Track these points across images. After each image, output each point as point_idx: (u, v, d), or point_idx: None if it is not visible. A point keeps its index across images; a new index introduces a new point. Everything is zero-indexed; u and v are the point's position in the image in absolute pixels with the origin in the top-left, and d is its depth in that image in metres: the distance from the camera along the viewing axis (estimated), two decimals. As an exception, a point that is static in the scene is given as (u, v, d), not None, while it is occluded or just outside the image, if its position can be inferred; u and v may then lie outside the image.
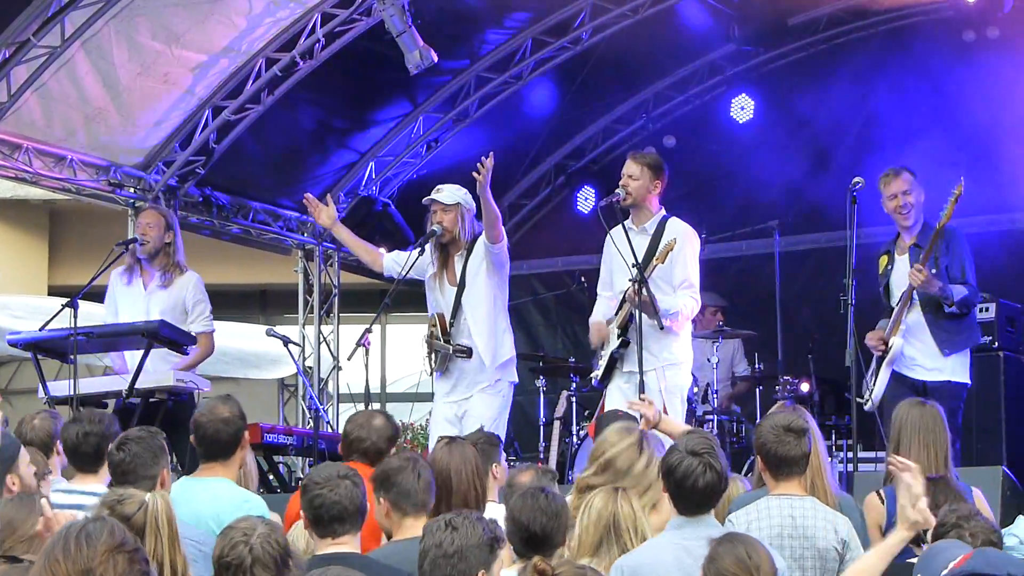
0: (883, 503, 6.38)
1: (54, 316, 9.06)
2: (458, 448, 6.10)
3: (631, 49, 12.82)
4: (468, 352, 8.90)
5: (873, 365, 9.03)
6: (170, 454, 6.09)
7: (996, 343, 10.44)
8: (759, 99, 13.45)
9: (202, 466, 6.12)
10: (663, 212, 8.95)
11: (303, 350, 13.16)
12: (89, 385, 9.27)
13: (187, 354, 9.23)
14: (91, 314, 10.03)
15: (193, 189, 12.26)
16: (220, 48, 11.24)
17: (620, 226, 8.74)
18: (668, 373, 8.73)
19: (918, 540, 5.40)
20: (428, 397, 9.34)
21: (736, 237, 12.69)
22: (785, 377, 11.31)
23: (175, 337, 9.05)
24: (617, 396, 8.69)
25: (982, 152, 11.68)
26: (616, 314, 8.89)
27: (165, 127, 11.74)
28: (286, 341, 10.68)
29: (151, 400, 8.98)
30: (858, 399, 8.83)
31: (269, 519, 4.61)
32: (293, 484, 11.03)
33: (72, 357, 8.90)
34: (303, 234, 13.43)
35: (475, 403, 8.90)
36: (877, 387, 8.92)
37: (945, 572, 4.25)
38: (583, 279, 11.71)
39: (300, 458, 11.90)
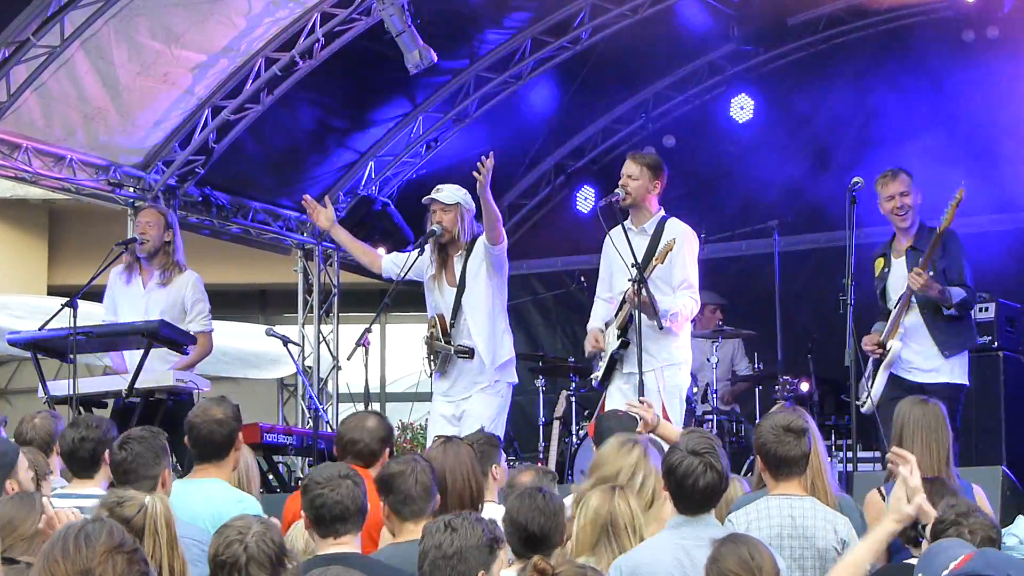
0: (884, 500, 6.37)
1: (54, 316, 9.05)
2: (452, 448, 6.10)
3: (631, 49, 12.82)
4: (470, 353, 8.89)
5: (869, 368, 9.01)
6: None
7: (996, 343, 10.45)
8: (759, 99, 13.45)
9: (196, 467, 6.12)
10: (662, 212, 8.95)
11: (303, 350, 13.15)
12: (89, 385, 9.27)
13: (187, 354, 9.23)
14: (91, 314, 10.03)
15: (192, 189, 12.25)
16: (220, 48, 11.24)
17: (620, 227, 8.74)
18: (667, 373, 8.73)
19: (916, 540, 5.40)
20: (428, 397, 9.34)
21: (736, 237, 12.69)
22: (785, 377, 11.30)
23: (175, 337, 9.05)
24: (617, 397, 8.68)
25: (982, 152, 11.68)
26: (616, 315, 8.89)
27: (164, 127, 11.74)
28: (286, 341, 10.69)
29: (151, 400, 8.98)
30: (855, 402, 8.83)
31: (265, 518, 4.62)
32: (293, 484, 11.03)
33: (72, 357, 8.90)
34: (303, 234, 13.43)
35: (474, 403, 8.89)
36: (875, 390, 8.91)
37: (946, 573, 4.24)
38: (583, 279, 11.71)
39: (300, 458, 11.90)
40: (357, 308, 14.65)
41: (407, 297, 10.00)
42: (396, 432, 15.07)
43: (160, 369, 9.11)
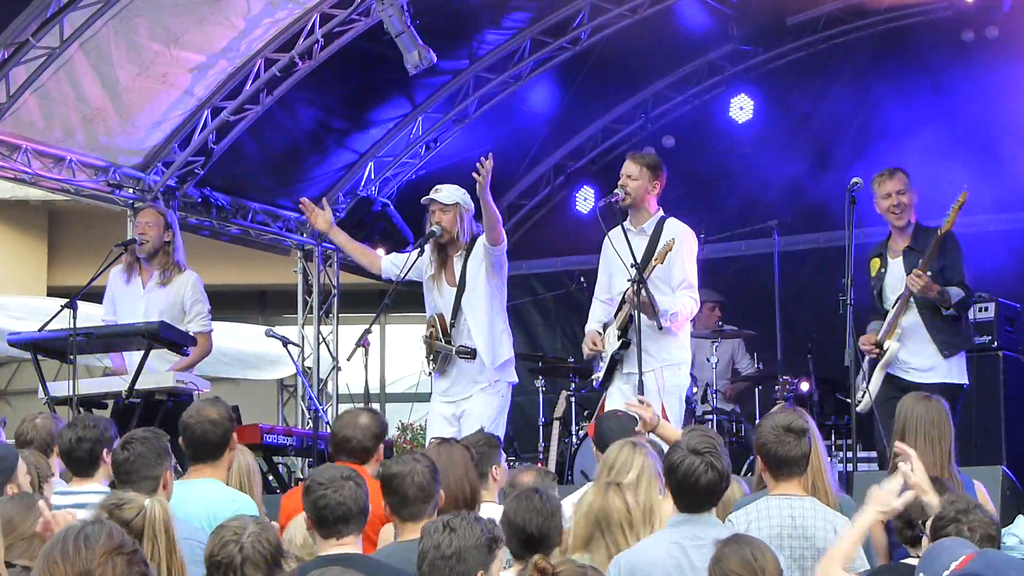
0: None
1: (53, 317, 9.05)
2: (447, 450, 6.09)
3: (630, 49, 12.82)
4: (472, 353, 8.88)
5: (865, 367, 9.00)
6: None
7: (995, 343, 10.44)
8: (758, 99, 13.45)
9: (191, 468, 6.12)
10: (661, 212, 8.94)
11: (302, 350, 13.15)
12: (89, 385, 9.27)
13: (187, 354, 9.23)
14: (90, 314, 10.03)
15: (192, 190, 12.25)
16: (219, 49, 11.23)
17: (619, 227, 8.74)
18: (666, 373, 8.72)
19: (915, 540, 5.40)
20: (427, 397, 9.33)
21: (735, 237, 12.70)
22: (784, 377, 11.30)
23: (175, 338, 9.04)
24: (617, 397, 8.68)
25: (981, 152, 11.67)
26: (616, 315, 8.89)
27: (164, 128, 11.74)
28: (285, 342, 10.68)
29: (151, 401, 8.97)
30: (850, 401, 8.83)
31: (260, 518, 4.62)
32: (292, 485, 11.03)
33: (72, 357, 8.89)
34: (302, 234, 13.42)
35: (474, 403, 8.89)
36: (872, 390, 8.90)
37: (947, 573, 4.24)
38: (582, 279, 11.70)
39: (299, 459, 11.90)
40: (357, 309, 14.64)
41: (407, 298, 10.00)
42: (396, 433, 15.11)
43: (160, 370, 9.11)
